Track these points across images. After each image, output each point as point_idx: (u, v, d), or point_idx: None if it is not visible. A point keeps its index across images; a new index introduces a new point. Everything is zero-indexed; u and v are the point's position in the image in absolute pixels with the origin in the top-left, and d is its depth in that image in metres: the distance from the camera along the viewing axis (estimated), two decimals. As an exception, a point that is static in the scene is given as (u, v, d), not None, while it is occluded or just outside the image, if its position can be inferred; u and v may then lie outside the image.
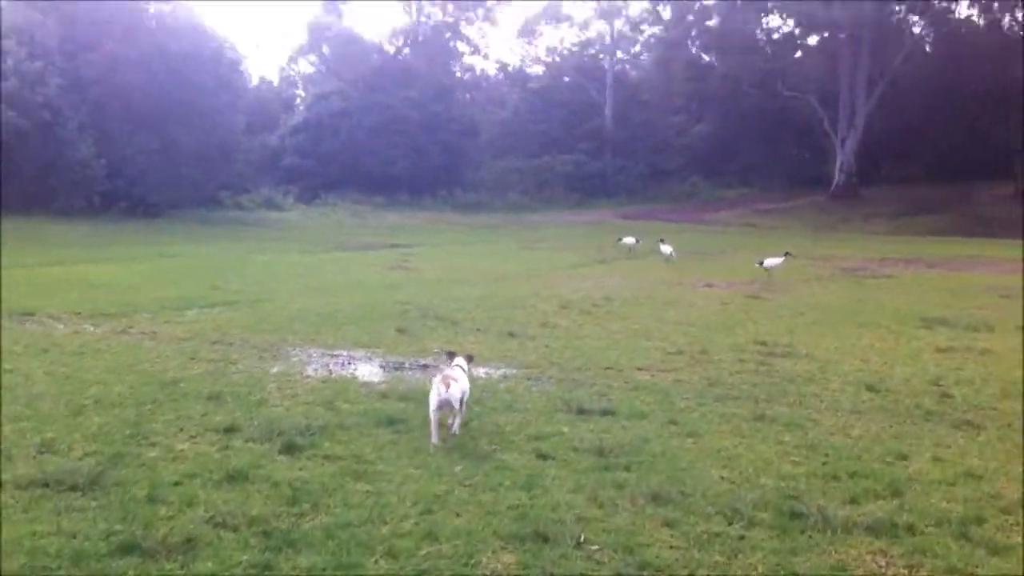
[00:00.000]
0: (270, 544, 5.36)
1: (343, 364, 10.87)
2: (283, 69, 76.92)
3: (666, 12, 73.15)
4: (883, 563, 5.33)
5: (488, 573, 5.11)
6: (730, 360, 11.43)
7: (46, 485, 6.21)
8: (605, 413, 8.54)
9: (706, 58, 72.37)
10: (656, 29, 75.89)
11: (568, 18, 78.05)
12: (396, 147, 58.74)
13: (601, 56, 76.12)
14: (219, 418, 8.07)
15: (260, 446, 7.27)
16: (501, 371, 10.55)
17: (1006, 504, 6.29)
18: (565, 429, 8.00)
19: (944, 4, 61.67)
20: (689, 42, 71.93)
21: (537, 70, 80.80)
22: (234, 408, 8.44)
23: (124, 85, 39.68)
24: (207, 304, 15.52)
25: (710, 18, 68.80)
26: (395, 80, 62.24)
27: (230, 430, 7.69)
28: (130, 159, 40.24)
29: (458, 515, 5.91)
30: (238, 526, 5.60)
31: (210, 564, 5.08)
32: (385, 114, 59.10)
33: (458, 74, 77.11)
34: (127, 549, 5.21)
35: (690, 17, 69.70)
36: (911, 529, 5.80)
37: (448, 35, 72.68)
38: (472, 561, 5.23)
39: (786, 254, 23.18)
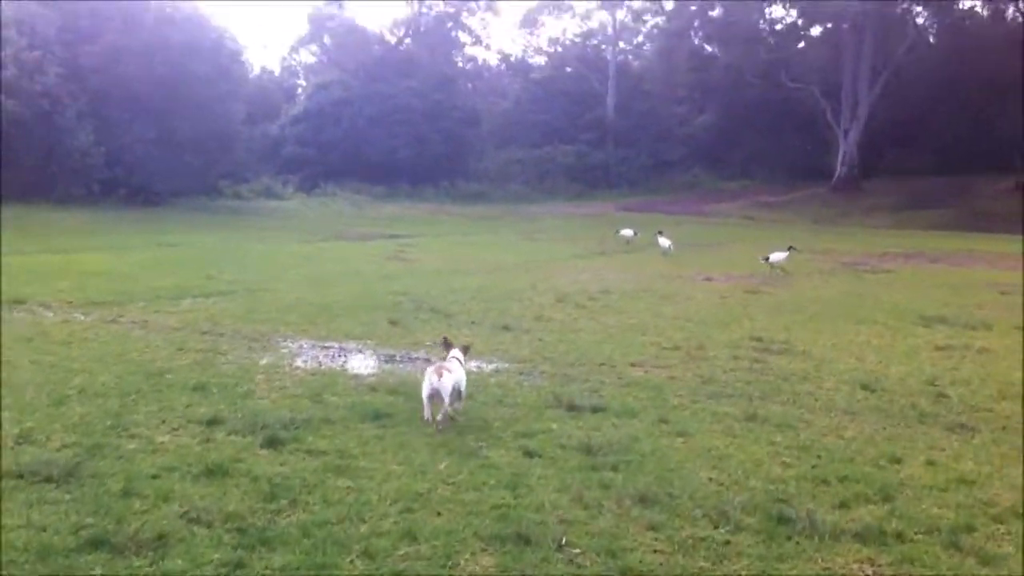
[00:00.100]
0: (244, 541, 5.24)
1: (334, 356, 10.75)
2: (284, 59, 76.78)
3: (668, 2, 73.17)
4: (870, 572, 5.20)
5: (466, 575, 4.98)
6: (725, 357, 11.30)
7: (20, 476, 6.10)
8: (596, 410, 8.42)
9: (709, 49, 72.18)
10: (659, 19, 75.75)
11: (570, 8, 78.05)
12: (397, 137, 58.47)
13: (603, 47, 75.86)
14: (203, 410, 7.96)
15: (242, 439, 7.16)
16: (493, 365, 10.44)
17: (999, 512, 6.16)
18: (554, 426, 7.88)
19: (948, -5, 61.53)
20: (692, 33, 71.73)
21: (539, 60, 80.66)
22: (219, 400, 8.33)
23: (124, 75, 39.52)
24: (201, 294, 15.40)
25: (713, 9, 68.47)
26: (396, 70, 61.93)
27: (213, 422, 7.57)
28: (129, 148, 40.09)
29: (439, 514, 5.79)
30: (212, 522, 5.48)
31: (180, 561, 4.95)
32: (386, 104, 58.82)
33: (460, 64, 76.81)
34: (96, 544, 5.09)
35: (693, 7, 69.40)
36: (900, 536, 5.67)
37: (450, 25, 72.39)
38: (450, 563, 5.11)
39: (790, 248, 23.03)
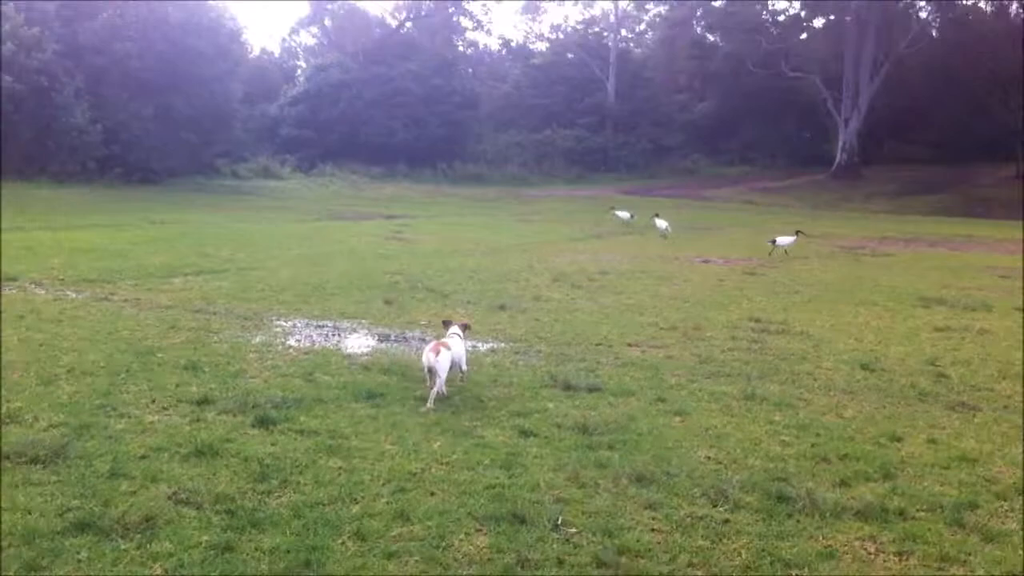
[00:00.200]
0: (233, 523, 5.11)
1: (327, 335, 10.62)
2: (284, 40, 76.37)
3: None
4: (872, 549, 5.09)
5: (460, 556, 4.86)
6: (723, 337, 11.19)
7: (7, 458, 5.95)
8: (592, 390, 8.31)
9: (711, 38, 72.10)
10: (661, 8, 75.73)
11: (573, -4, 77.61)
12: (396, 119, 58.20)
13: (605, 34, 75.47)
14: (193, 389, 7.84)
15: (233, 419, 7.04)
16: (489, 345, 10.32)
17: (1001, 489, 6.06)
18: (550, 405, 7.77)
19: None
20: (694, 21, 71.45)
21: (540, 47, 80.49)
22: (210, 379, 8.21)
23: (122, 52, 39.28)
24: (194, 272, 15.24)
25: (715, -1, 68.36)
26: (396, 53, 61.61)
27: (203, 402, 7.45)
28: (126, 125, 39.90)
29: (432, 494, 5.68)
30: (201, 504, 5.37)
31: (168, 544, 4.83)
32: (385, 86, 58.51)
33: (461, 48, 76.45)
34: (82, 527, 4.96)
35: (695, -3, 69.27)
36: (902, 514, 5.57)
37: (451, 10, 72.02)
38: (444, 544, 4.99)
39: (797, 233, 22.93)
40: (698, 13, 70.46)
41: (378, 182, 52.02)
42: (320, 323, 11.27)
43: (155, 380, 8.10)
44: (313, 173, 52.00)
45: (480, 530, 5.18)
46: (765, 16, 67.21)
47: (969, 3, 63.48)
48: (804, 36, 67.84)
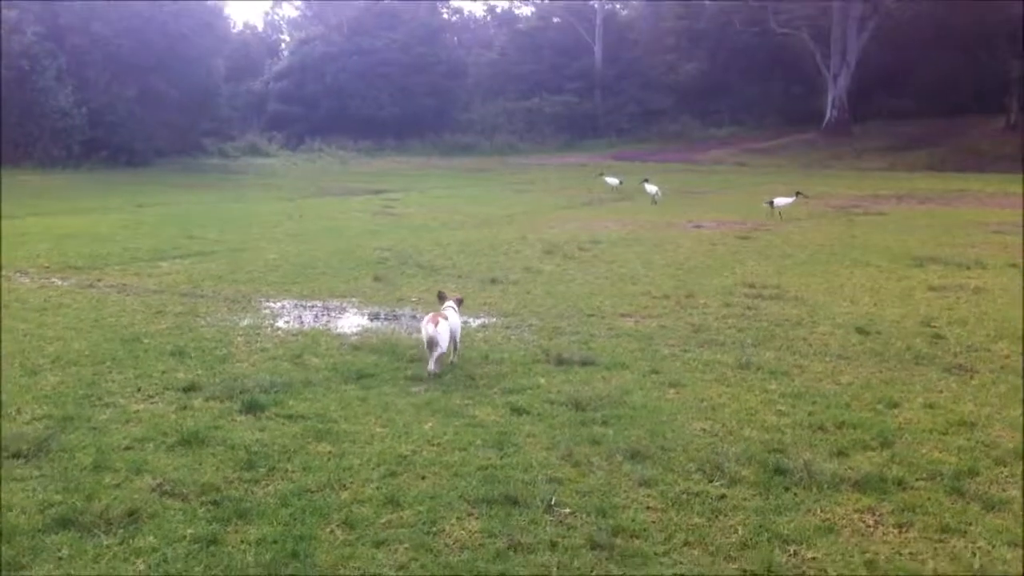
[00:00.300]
0: (219, 514, 5.00)
1: (316, 315, 10.48)
2: (267, 14, 75.89)
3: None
4: (872, 522, 5.00)
5: (451, 542, 4.76)
6: (717, 304, 11.08)
7: (-11, 452, 5.85)
8: (585, 363, 8.20)
9: (696, -4, 71.07)
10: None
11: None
12: (382, 91, 57.82)
13: (591, -5, 74.70)
14: (180, 375, 7.72)
15: (220, 405, 6.92)
16: (480, 320, 10.19)
17: (1000, 454, 5.97)
18: (542, 381, 7.66)
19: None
20: (680, -20, 70.53)
21: (525, 12, 79.59)
22: (196, 365, 8.08)
23: (101, 32, 38.78)
24: (182, 255, 15.07)
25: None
26: (380, 23, 60.99)
27: (190, 389, 7.33)
28: (110, 107, 39.50)
29: (423, 477, 5.58)
30: (187, 495, 5.26)
31: (151, 538, 4.71)
32: (370, 58, 58.04)
33: (445, 16, 75.72)
34: (64, 523, 4.83)
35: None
36: (901, 484, 5.47)
37: (435, -25, 71.18)
38: (435, 529, 4.89)
39: (797, 194, 22.77)
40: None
41: (367, 156, 51.73)
42: (309, 303, 11.14)
43: (141, 368, 7.98)
44: (301, 149, 51.73)
45: (472, 514, 5.08)
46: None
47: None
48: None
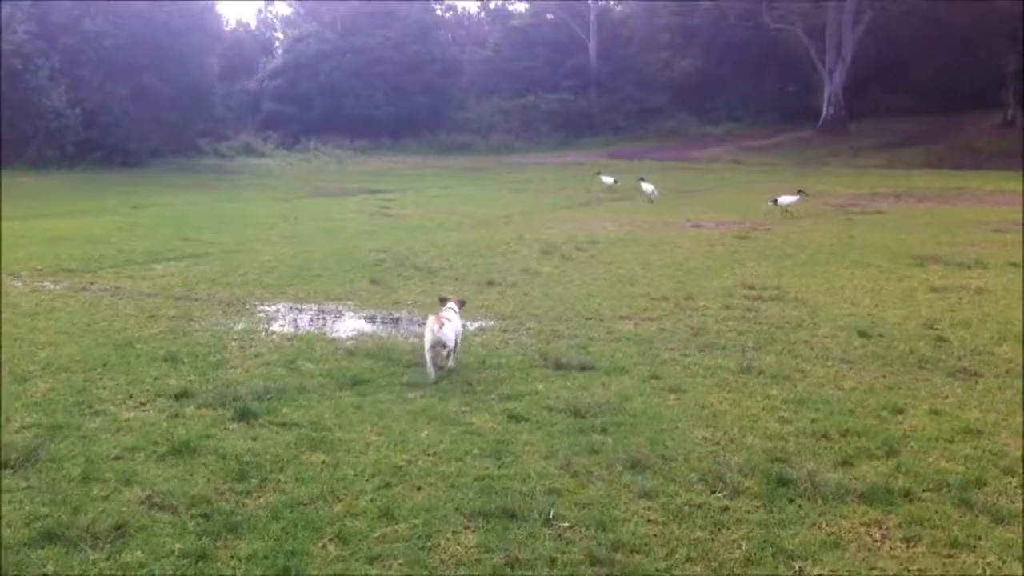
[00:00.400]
0: (209, 528, 4.87)
1: (312, 319, 10.36)
2: (260, 12, 75.75)
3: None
4: (878, 536, 4.87)
5: (446, 558, 4.63)
6: (716, 306, 10.96)
7: (-25, 464, 5.72)
8: (584, 368, 8.07)
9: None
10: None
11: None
12: (377, 89, 57.64)
13: (585, -8, 74.55)
14: (172, 382, 7.59)
15: (212, 413, 6.79)
16: (477, 323, 10.06)
17: (1008, 463, 5.84)
18: (540, 386, 7.53)
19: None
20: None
21: (519, 8, 79.45)
22: (189, 371, 7.95)
23: (93, 30, 38.58)
24: (176, 257, 14.94)
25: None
26: (374, 21, 60.79)
27: (182, 395, 7.20)
28: (104, 107, 39.27)
29: (419, 489, 5.45)
30: (176, 507, 5.13)
31: (139, 553, 4.59)
32: (364, 56, 57.86)
33: (439, 12, 75.52)
34: (50, 537, 4.71)
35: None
36: (908, 495, 5.34)
37: (428, -28, 70.94)
38: (430, 544, 4.76)
39: (799, 192, 22.64)
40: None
41: (362, 155, 51.57)
42: (304, 306, 11.01)
43: (133, 374, 7.85)
44: (296, 149, 51.57)
45: (468, 527, 4.95)
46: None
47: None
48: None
